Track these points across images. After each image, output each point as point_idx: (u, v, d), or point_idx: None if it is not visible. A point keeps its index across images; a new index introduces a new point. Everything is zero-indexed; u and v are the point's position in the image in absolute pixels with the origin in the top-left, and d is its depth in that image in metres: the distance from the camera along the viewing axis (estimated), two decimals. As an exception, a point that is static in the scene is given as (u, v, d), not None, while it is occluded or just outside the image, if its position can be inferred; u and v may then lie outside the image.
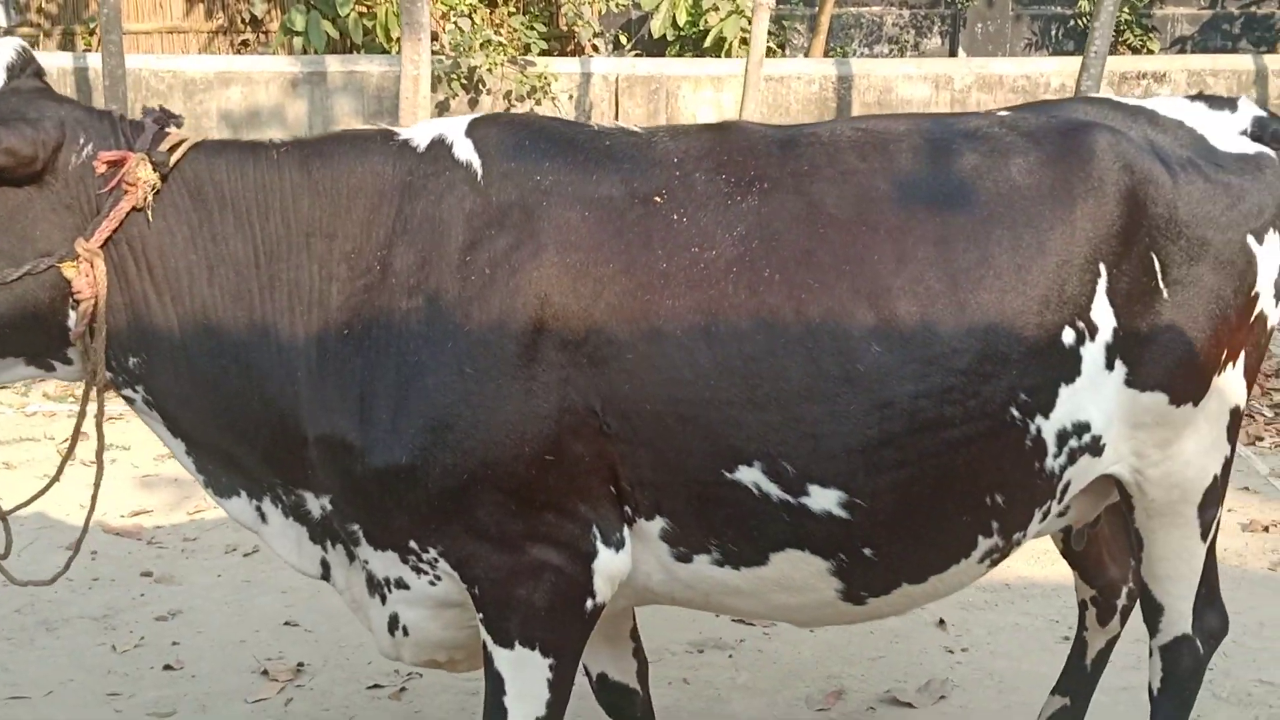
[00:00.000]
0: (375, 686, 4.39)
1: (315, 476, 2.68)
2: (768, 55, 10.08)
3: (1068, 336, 2.73)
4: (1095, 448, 2.82)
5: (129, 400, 2.72)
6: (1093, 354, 2.76)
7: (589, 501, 2.63)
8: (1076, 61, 9.33)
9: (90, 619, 4.87)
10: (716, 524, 2.68)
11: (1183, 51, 13.76)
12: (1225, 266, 2.88)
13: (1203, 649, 3.19)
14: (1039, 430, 2.72)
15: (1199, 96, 3.16)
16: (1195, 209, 2.84)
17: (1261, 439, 7.09)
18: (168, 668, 4.55)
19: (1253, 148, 3.03)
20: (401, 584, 2.71)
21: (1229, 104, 3.13)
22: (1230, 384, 2.99)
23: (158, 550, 5.57)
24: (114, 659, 4.59)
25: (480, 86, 10.00)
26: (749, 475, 2.62)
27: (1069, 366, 2.73)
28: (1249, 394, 3.11)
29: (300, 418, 2.62)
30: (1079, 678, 3.65)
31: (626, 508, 2.68)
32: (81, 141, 2.54)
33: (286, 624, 4.87)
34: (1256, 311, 2.98)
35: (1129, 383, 2.82)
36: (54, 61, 10.32)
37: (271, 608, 5.00)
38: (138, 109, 9.19)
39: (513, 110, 10.00)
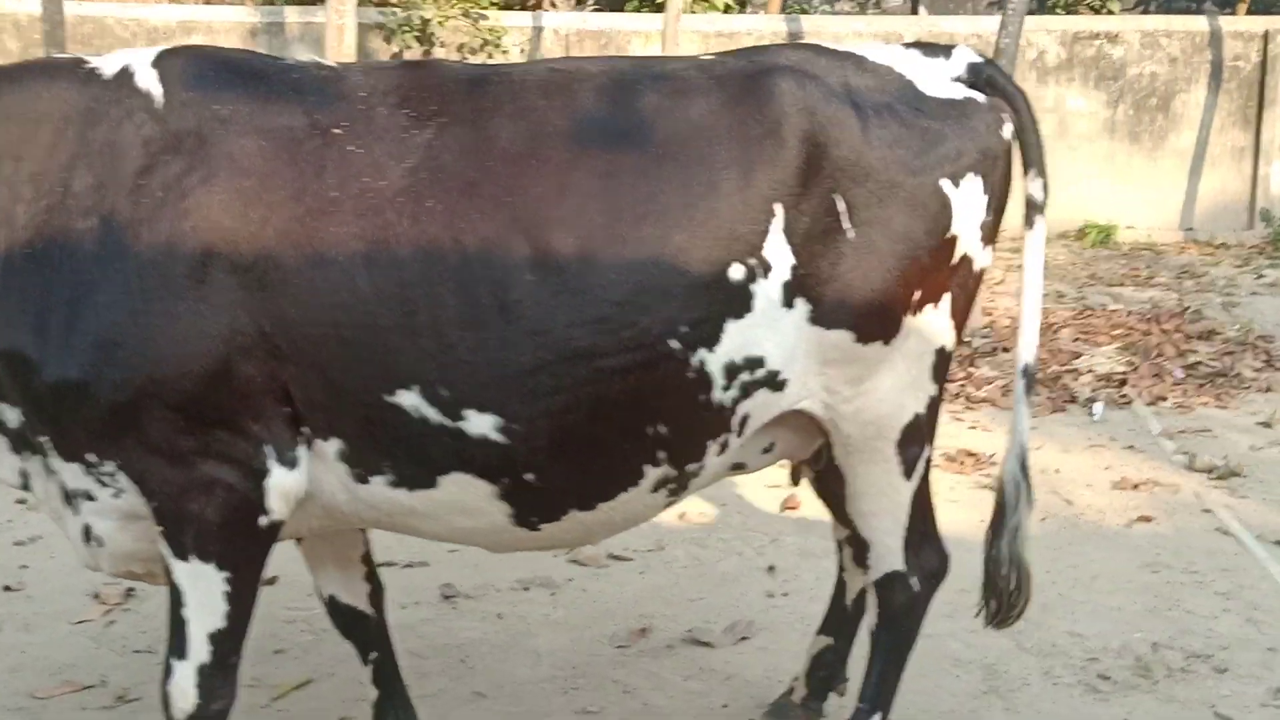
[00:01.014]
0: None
1: (7, 388, 2.79)
2: (725, 10, 10.09)
3: (736, 273, 2.79)
4: (773, 383, 2.88)
5: None
6: (766, 291, 2.82)
7: (262, 420, 2.72)
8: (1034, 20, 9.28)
9: (-53, 542, 5.05)
10: (385, 446, 2.77)
11: (1146, 13, 13.61)
12: (917, 209, 2.92)
13: (918, 586, 3.26)
14: (703, 363, 2.79)
15: (915, 44, 3.20)
16: (885, 152, 2.89)
17: (1165, 399, 7.08)
18: (7, 588, 4.72)
19: (961, 93, 3.07)
20: (89, 495, 2.81)
21: (944, 51, 3.18)
22: (930, 325, 3.04)
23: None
24: (-43, 578, 4.77)
25: (433, 39, 10.07)
26: (409, 399, 2.71)
27: (737, 302, 2.80)
28: (959, 336, 3.16)
29: None
30: (841, 617, 3.70)
31: (304, 428, 2.77)
32: None
33: (134, 553, 5.02)
34: (959, 254, 3.03)
35: (813, 320, 2.88)
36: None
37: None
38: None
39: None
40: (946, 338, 3.09)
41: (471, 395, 2.71)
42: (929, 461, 3.19)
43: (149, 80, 2.76)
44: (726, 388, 2.83)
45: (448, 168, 2.72)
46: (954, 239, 3.00)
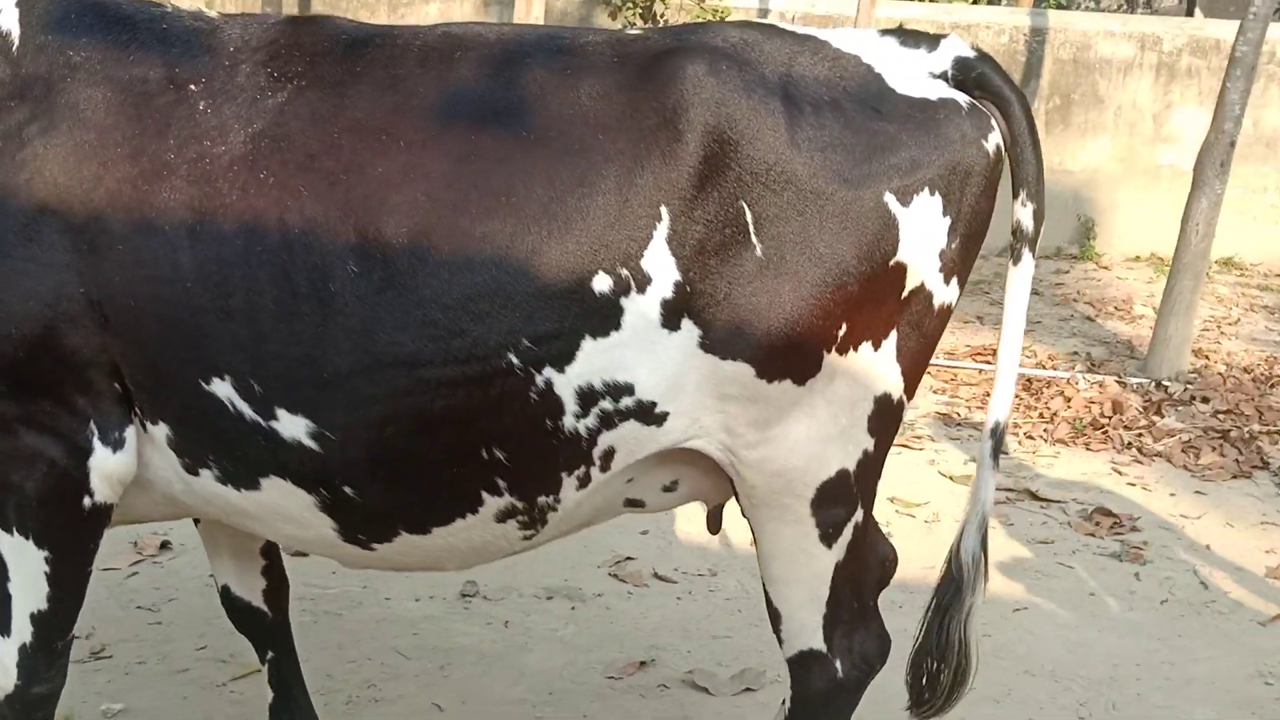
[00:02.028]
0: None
1: None
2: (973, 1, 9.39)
3: (601, 284, 2.40)
4: (646, 414, 2.47)
5: None
6: (640, 307, 2.42)
7: (88, 396, 2.53)
8: None
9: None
10: (206, 438, 2.53)
11: None
12: (848, 227, 2.45)
13: (843, 672, 2.76)
14: (549, 384, 2.41)
15: (895, 31, 2.71)
16: (815, 157, 2.43)
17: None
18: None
19: (936, 93, 2.57)
20: None
21: (928, 41, 2.67)
22: (867, 367, 2.56)
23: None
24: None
25: (657, 16, 9.80)
26: (223, 390, 2.46)
27: (599, 318, 2.41)
28: (913, 383, 2.66)
29: None
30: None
31: (136, 409, 2.56)
32: None
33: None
34: (909, 286, 2.54)
35: (705, 347, 2.46)
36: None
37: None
38: None
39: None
40: (890, 384, 2.60)
41: (283, 394, 2.43)
42: (860, 527, 2.70)
43: (9, 21, 2.58)
44: (580, 415, 2.44)
45: (291, 137, 2.44)
46: (901, 267, 2.51)
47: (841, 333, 2.50)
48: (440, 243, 2.37)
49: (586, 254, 2.39)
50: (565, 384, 2.41)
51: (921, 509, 5.42)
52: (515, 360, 2.39)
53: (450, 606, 4.42)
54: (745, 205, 2.41)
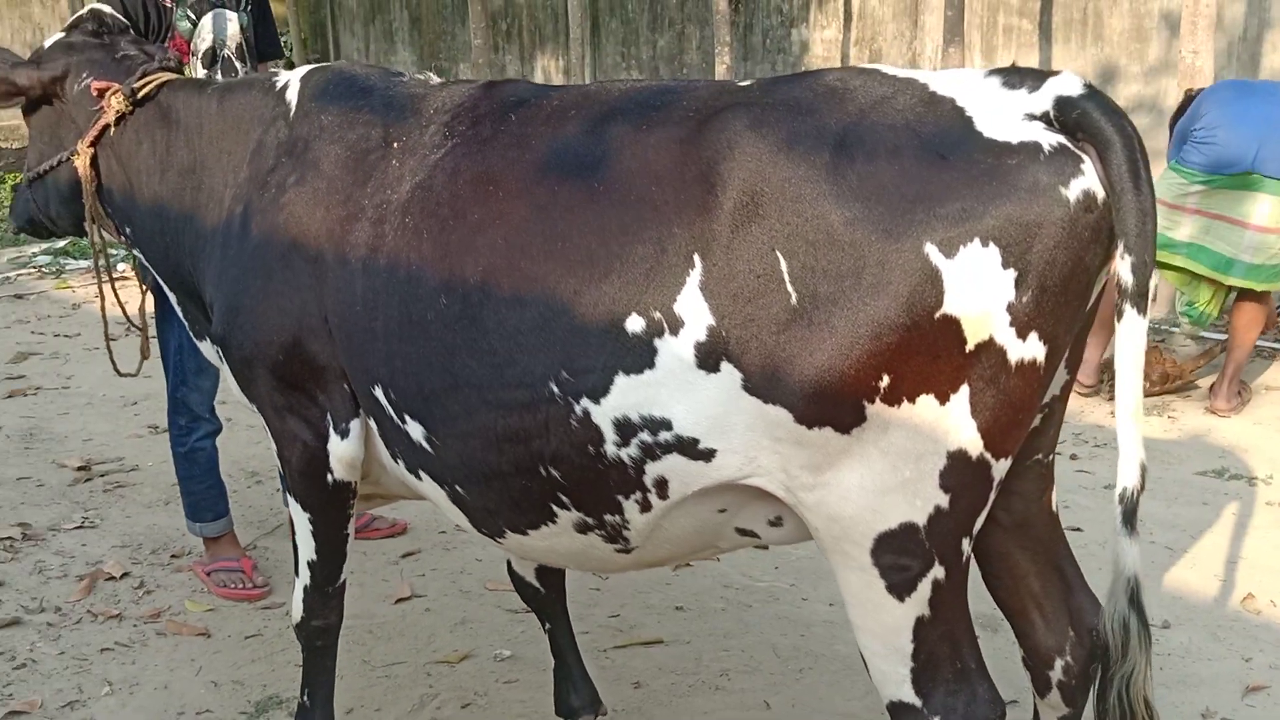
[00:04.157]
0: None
1: None
2: None
3: (634, 325, 2.54)
4: (690, 449, 2.57)
5: (136, 257, 3.79)
6: (674, 349, 2.53)
7: (325, 392, 3.13)
8: None
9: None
10: (386, 433, 3.03)
11: None
12: (884, 279, 2.39)
13: (945, 731, 2.64)
14: (586, 413, 2.60)
15: (1003, 70, 2.51)
16: (856, 209, 2.39)
17: None
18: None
19: (1019, 135, 2.38)
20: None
21: (1032, 79, 2.45)
22: (930, 421, 2.43)
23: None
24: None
25: None
26: (379, 394, 2.94)
27: (632, 356, 2.54)
28: (1000, 441, 2.48)
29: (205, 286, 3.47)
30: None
31: (359, 404, 3.13)
32: (84, 75, 3.61)
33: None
34: (970, 340, 2.39)
35: (748, 389, 2.51)
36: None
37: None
38: None
39: None
40: (965, 440, 2.44)
41: (405, 403, 2.87)
42: (945, 585, 2.56)
43: (293, 93, 3.26)
44: (621, 444, 2.61)
45: (434, 187, 2.86)
46: (951, 320, 2.37)
47: (884, 384, 2.42)
48: (503, 281, 2.67)
49: (622, 297, 2.55)
50: (602, 415, 2.60)
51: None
52: (556, 390, 2.63)
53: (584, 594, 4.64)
54: (780, 255, 2.43)
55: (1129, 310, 2.38)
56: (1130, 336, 2.39)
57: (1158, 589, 4.73)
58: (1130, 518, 2.47)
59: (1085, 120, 2.38)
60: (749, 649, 4.36)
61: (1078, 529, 5.15)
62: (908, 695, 2.65)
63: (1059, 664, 2.97)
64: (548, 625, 3.73)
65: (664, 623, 4.56)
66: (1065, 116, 2.39)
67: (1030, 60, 11.96)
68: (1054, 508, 2.97)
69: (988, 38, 12.72)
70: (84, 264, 10.62)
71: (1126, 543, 2.48)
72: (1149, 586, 4.68)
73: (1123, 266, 2.37)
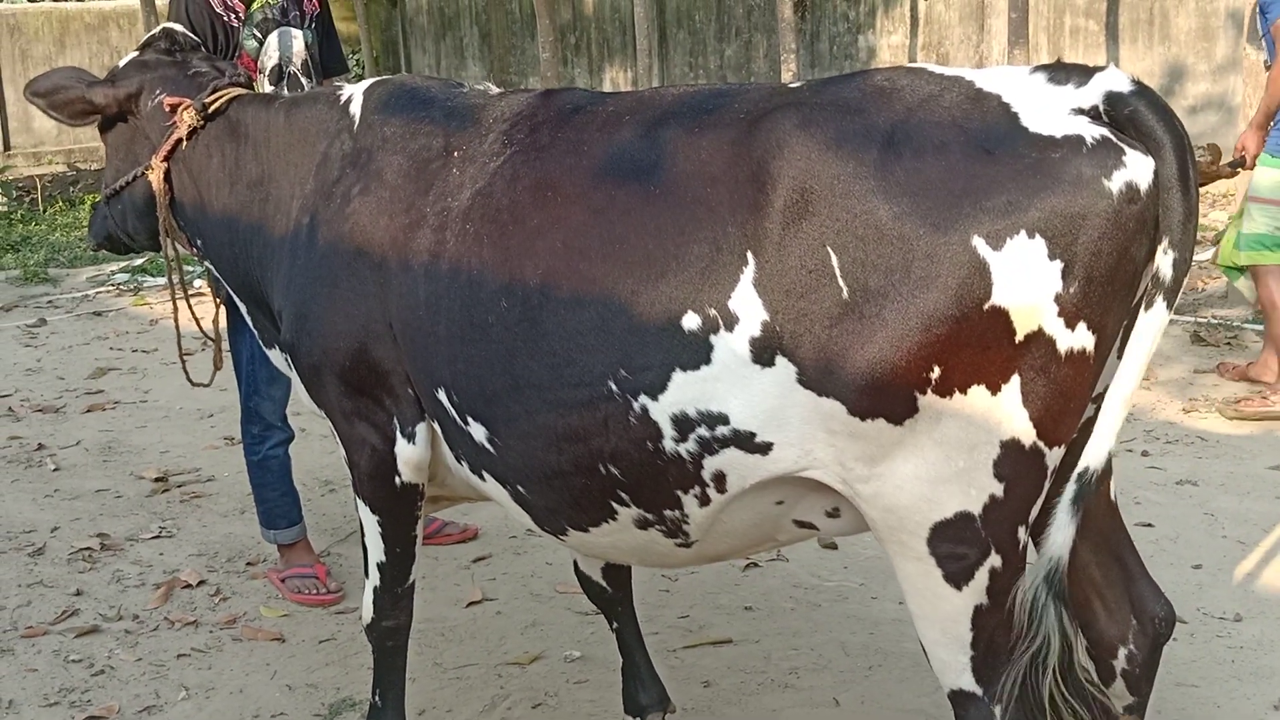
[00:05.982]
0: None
1: None
2: None
3: (690, 322, 2.59)
4: (747, 443, 2.61)
5: (208, 269, 3.90)
6: (729, 344, 2.57)
7: (391, 397, 3.20)
8: None
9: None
10: (449, 435, 3.10)
11: None
12: (932, 272, 2.42)
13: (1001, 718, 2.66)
14: (645, 410, 2.65)
15: (1049, 66, 2.54)
16: (904, 204, 2.42)
17: None
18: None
19: (1063, 129, 2.41)
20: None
21: (1080, 75, 2.48)
22: (982, 411, 2.45)
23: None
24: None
25: None
26: (443, 396, 3.00)
27: (689, 353, 2.59)
28: (1054, 430, 2.50)
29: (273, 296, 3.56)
30: None
31: (425, 408, 3.20)
32: (158, 91, 3.72)
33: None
34: (1020, 330, 2.41)
35: (803, 383, 2.55)
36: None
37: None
38: None
39: None
40: (1018, 429, 2.46)
41: (468, 405, 2.93)
42: (1003, 573, 2.58)
43: (356, 106, 3.34)
44: (679, 439, 2.65)
45: (493, 193, 2.92)
46: (1000, 312, 2.40)
47: (935, 375, 2.45)
48: (563, 283, 2.73)
49: (678, 295, 2.60)
50: (660, 411, 2.65)
51: None
52: (614, 388, 2.67)
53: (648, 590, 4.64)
54: (830, 251, 2.47)
55: (1159, 302, 2.41)
56: (1151, 326, 2.42)
57: (1229, 582, 4.70)
58: (1079, 499, 2.47)
59: (1137, 118, 2.41)
60: (818, 647, 4.38)
61: (1149, 524, 5.13)
62: (968, 684, 2.67)
63: (1122, 653, 2.97)
64: (615, 624, 3.77)
65: (733, 622, 4.58)
66: (1117, 112, 2.42)
67: (1098, 62, 11.86)
68: (1113, 497, 2.97)
69: (1054, 40, 12.65)
70: (160, 281, 10.88)
71: (1066, 521, 2.48)
72: (1220, 580, 4.69)
73: (1164, 261, 2.39)
